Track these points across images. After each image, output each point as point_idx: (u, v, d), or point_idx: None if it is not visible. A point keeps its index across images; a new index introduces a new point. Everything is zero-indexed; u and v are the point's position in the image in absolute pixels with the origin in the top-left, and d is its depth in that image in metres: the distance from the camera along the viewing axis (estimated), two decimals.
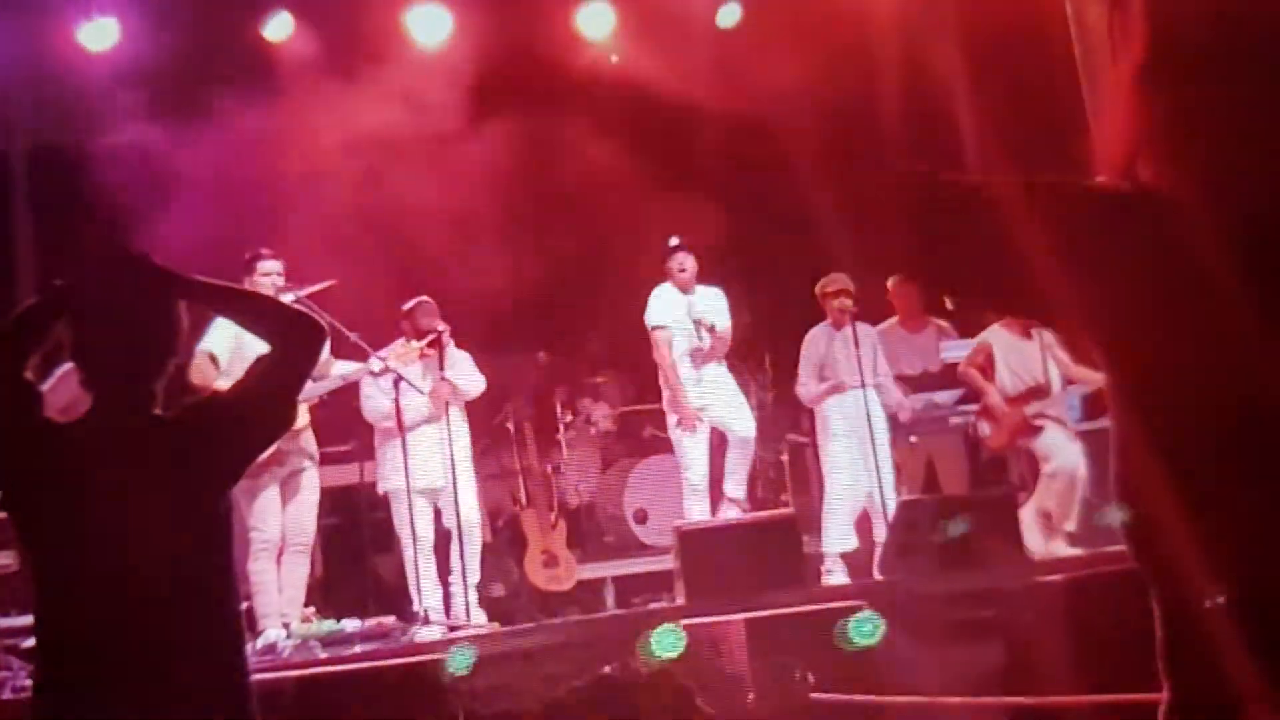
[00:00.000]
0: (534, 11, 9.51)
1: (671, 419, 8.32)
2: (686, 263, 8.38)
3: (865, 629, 5.09)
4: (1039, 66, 7.69)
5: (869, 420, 8.08)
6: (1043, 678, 5.22)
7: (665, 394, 8.40)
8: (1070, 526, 7.78)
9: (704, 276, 8.51)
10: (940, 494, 8.38)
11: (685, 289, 8.37)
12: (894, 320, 8.97)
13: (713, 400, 8.29)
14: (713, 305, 8.38)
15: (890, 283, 8.97)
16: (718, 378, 8.38)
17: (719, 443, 8.42)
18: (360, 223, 8.84)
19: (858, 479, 8.17)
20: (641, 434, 9.97)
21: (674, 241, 8.50)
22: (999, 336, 8.32)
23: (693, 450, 8.23)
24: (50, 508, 2.97)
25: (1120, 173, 1.81)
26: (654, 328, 8.34)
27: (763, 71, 8.95)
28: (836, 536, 8.15)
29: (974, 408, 8.63)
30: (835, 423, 8.29)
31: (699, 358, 8.32)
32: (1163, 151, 1.78)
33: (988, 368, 8.32)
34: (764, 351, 9.95)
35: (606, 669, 4.00)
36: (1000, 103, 8.54)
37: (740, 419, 8.35)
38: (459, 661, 4.95)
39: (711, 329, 8.25)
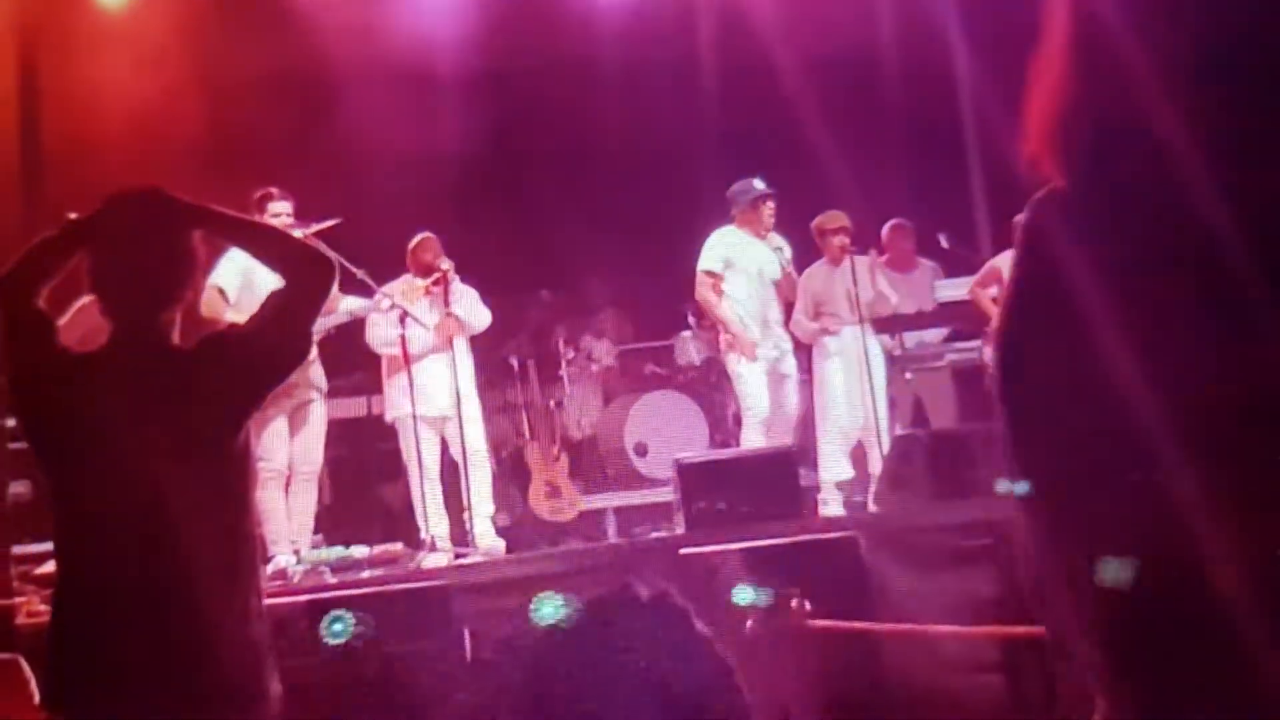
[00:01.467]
0: None
1: (732, 359, 8.07)
2: (773, 211, 8.04)
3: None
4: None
5: (866, 355, 8.03)
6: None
7: (722, 337, 8.21)
8: None
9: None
10: (932, 428, 8.33)
11: (760, 235, 8.06)
12: (883, 261, 8.85)
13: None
14: (785, 251, 8.11)
15: (887, 226, 8.89)
16: (780, 357, 8.14)
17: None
18: (367, 160, 8.75)
19: (853, 412, 8.11)
20: (642, 370, 9.92)
21: (761, 185, 8.08)
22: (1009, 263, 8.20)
23: (753, 384, 8.01)
24: (68, 436, 2.93)
25: (1046, 143, 1.76)
26: (703, 272, 8.08)
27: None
28: (832, 467, 8.10)
29: (965, 345, 8.56)
30: (831, 358, 8.22)
31: (768, 299, 8.10)
32: (1082, 125, 1.72)
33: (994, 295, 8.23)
34: None
35: (603, 592, 3.92)
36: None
37: (786, 405, 8.11)
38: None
39: (787, 267, 8.02)
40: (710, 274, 8.06)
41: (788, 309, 8.28)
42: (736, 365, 8.06)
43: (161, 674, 2.81)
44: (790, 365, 8.17)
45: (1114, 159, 1.74)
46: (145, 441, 2.87)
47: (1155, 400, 1.68)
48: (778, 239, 8.07)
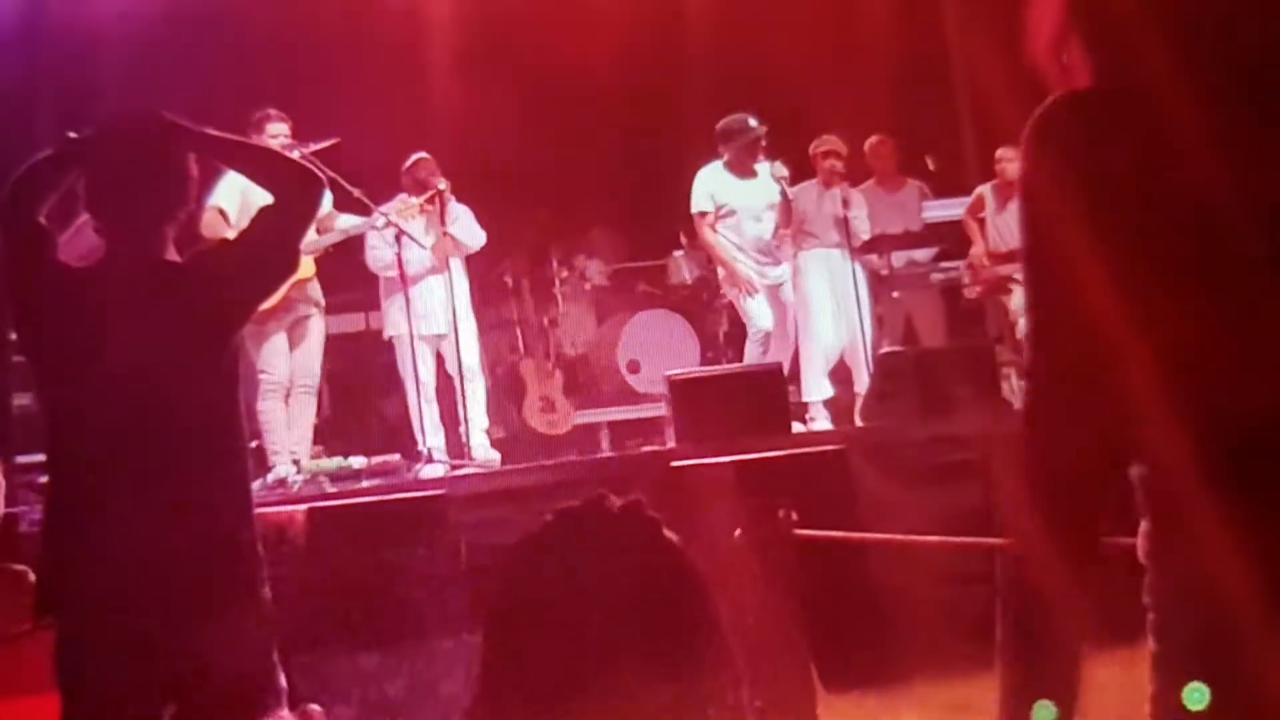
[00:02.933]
0: None
1: (731, 290, 8.00)
2: (763, 145, 7.81)
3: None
4: None
5: (855, 279, 7.96)
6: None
7: (720, 272, 8.10)
8: None
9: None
10: (919, 345, 8.29)
11: (751, 173, 7.88)
12: (871, 181, 8.75)
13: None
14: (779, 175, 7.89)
15: (868, 143, 8.77)
16: (782, 284, 8.01)
17: None
18: (365, 80, 8.61)
19: (837, 332, 8.05)
20: (635, 289, 9.85)
21: (754, 125, 7.81)
22: (990, 195, 8.17)
23: (755, 308, 7.91)
24: (62, 347, 2.90)
25: (1049, 54, 1.68)
26: (697, 213, 7.91)
27: None
28: (813, 386, 8.03)
29: (952, 264, 8.51)
30: (814, 278, 8.12)
31: (762, 231, 7.94)
32: (1087, 33, 1.65)
33: (983, 220, 8.18)
34: None
35: (574, 503, 3.89)
36: None
37: (782, 339, 7.97)
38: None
39: (787, 191, 7.84)
40: (702, 214, 7.92)
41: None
42: (736, 293, 8.00)
43: (150, 581, 2.77)
44: (789, 291, 8.07)
45: (1118, 63, 1.66)
46: (137, 353, 2.84)
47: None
48: (779, 168, 7.88)
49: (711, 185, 7.92)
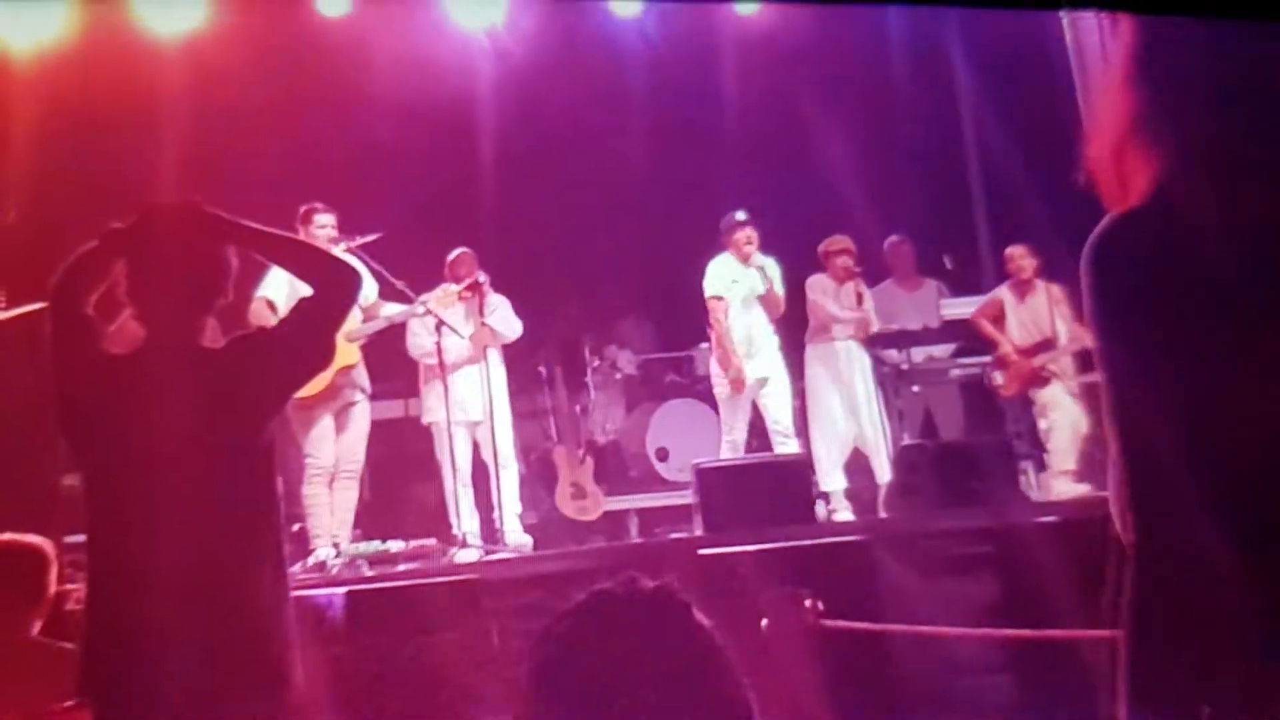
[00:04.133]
0: None
1: (719, 382, 8.01)
2: (753, 237, 7.94)
3: None
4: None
5: (871, 370, 7.95)
6: (1038, 612, 5.09)
7: (715, 353, 8.12)
8: (1070, 465, 7.58)
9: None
10: (939, 439, 8.24)
11: (746, 260, 7.98)
12: (890, 281, 8.80)
13: (761, 393, 7.98)
14: (770, 270, 8.00)
15: (887, 243, 8.84)
16: (771, 370, 8.03)
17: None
18: (410, 179, 8.72)
19: (847, 424, 8.00)
20: (663, 379, 9.86)
21: (741, 216, 8.01)
22: (1008, 295, 8.17)
23: (734, 416, 7.96)
24: (102, 432, 2.90)
25: (1108, 162, 1.71)
26: (710, 297, 8.03)
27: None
28: (826, 477, 7.97)
29: (970, 360, 8.48)
30: (819, 372, 8.14)
31: (752, 322, 8.00)
32: (1145, 141, 1.67)
33: (999, 320, 8.16)
34: None
35: (605, 584, 3.82)
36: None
37: (782, 434, 7.94)
38: None
39: (769, 287, 7.93)
40: (716, 298, 8.02)
41: (777, 326, 8.16)
42: (720, 387, 8.00)
43: (185, 660, 2.75)
44: (772, 389, 7.99)
45: (1177, 182, 1.68)
46: (173, 437, 2.84)
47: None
48: (761, 259, 8.00)
49: (714, 272, 8.05)
